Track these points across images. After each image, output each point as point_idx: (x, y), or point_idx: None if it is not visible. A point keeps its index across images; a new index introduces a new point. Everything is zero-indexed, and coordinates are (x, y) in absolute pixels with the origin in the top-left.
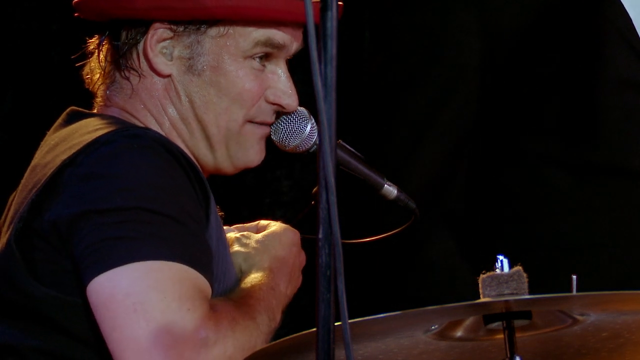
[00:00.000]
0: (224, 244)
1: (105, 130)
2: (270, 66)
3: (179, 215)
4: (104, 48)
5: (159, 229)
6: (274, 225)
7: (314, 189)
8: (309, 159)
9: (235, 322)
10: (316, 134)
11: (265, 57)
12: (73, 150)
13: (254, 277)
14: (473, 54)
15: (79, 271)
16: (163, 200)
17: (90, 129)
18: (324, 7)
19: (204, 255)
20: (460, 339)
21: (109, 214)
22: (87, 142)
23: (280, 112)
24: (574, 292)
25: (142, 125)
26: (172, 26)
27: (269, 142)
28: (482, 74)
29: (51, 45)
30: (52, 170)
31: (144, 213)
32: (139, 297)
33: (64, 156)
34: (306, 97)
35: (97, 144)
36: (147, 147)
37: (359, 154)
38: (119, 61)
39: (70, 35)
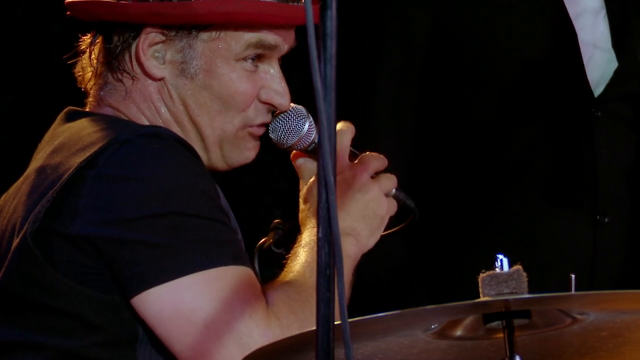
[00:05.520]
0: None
1: (117, 130)
2: (262, 66)
3: (212, 213)
4: (96, 48)
5: (202, 233)
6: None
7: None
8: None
9: (292, 305)
10: (314, 131)
11: (258, 57)
12: (89, 152)
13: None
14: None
15: (122, 279)
16: (195, 201)
17: (97, 127)
18: (323, 6)
19: (241, 247)
20: (459, 338)
21: (146, 221)
22: (103, 142)
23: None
24: (573, 291)
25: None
26: (164, 30)
27: (267, 141)
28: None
29: (51, 44)
30: (68, 171)
31: (182, 218)
32: (206, 312)
33: (79, 158)
34: (305, 96)
35: (116, 144)
36: (168, 147)
37: (357, 152)
38: (112, 63)
39: (71, 34)
